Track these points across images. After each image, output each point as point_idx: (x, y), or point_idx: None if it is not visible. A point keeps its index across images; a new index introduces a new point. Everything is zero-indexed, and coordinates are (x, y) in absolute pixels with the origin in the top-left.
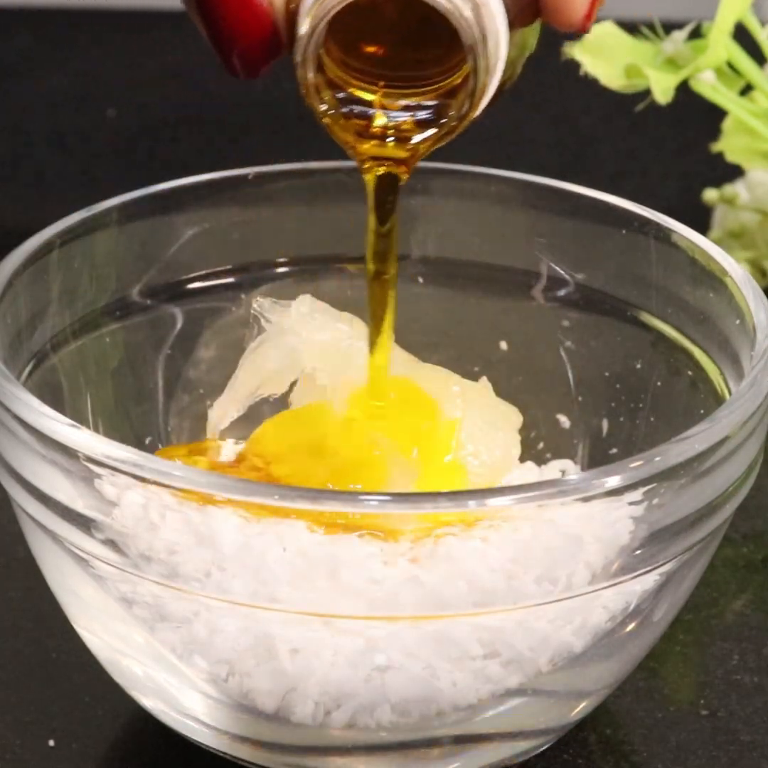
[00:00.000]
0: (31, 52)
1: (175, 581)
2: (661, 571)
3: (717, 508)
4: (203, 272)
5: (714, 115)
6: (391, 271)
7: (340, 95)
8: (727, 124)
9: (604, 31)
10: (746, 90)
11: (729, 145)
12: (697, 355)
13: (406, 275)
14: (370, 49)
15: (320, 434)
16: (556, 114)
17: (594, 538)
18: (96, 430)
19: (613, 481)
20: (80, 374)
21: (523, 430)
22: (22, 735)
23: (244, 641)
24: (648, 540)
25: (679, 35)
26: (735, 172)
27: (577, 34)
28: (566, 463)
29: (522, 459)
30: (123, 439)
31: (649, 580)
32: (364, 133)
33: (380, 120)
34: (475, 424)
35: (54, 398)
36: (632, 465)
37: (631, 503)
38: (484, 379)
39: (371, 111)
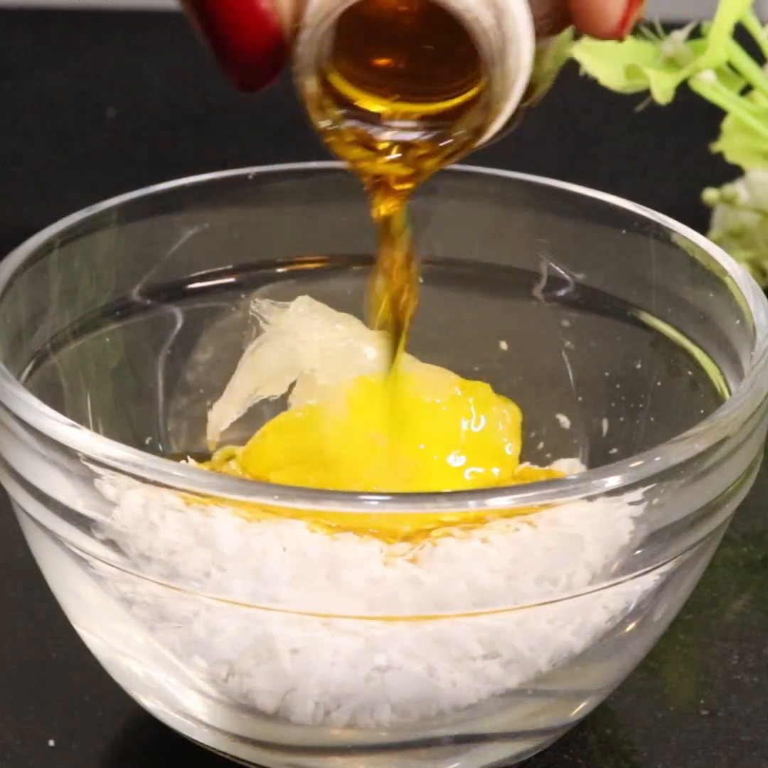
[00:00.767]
0: (31, 52)
1: (175, 581)
2: (661, 571)
3: (717, 508)
4: (203, 272)
5: (714, 115)
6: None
7: (344, 110)
8: (727, 124)
9: None
10: (746, 90)
11: (729, 145)
12: (697, 355)
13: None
14: (382, 61)
15: (319, 437)
16: (556, 114)
17: (594, 538)
18: (96, 430)
19: (613, 481)
20: (80, 374)
21: (523, 430)
22: (22, 735)
23: (244, 641)
24: (648, 540)
25: (679, 35)
26: (735, 172)
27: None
28: (573, 463)
29: (522, 459)
30: (123, 439)
31: (649, 580)
32: (368, 149)
33: (386, 134)
34: (474, 423)
35: (54, 398)
36: (632, 465)
37: (631, 503)
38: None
39: (375, 128)
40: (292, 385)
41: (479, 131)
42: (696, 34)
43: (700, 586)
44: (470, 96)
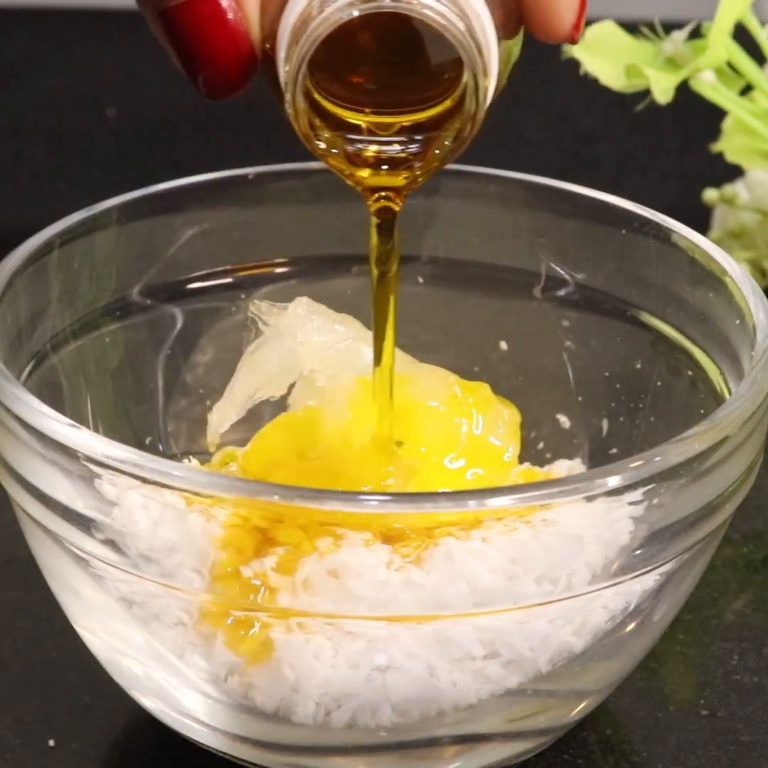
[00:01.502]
0: (31, 52)
1: (175, 581)
2: (661, 571)
3: (717, 508)
4: (203, 272)
5: (714, 115)
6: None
7: (334, 132)
8: (727, 124)
9: (604, 31)
10: (746, 90)
11: (729, 145)
12: (697, 355)
13: (406, 275)
14: (353, 77)
15: (318, 438)
16: (556, 114)
17: (594, 538)
18: (96, 430)
19: (613, 481)
20: (80, 374)
21: (523, 430)
22: (22, 735)
23: (243, 641)
24: (648, 540)
25: (679, 35)
26: (735, 172)
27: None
28: (573, 464)
29: (522, 459)
30: (123, 439)
31: (649, 580)
32: (361, 163)
33: (371, 147)
34: (474, 423)
35: (54, 398)
36: (632, 465)
37: (631, 503)
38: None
39: (361, 145)
40: (291, 387)
41: (462, 136)
42: (696, 34)
43: (700, 586)
44: (444, 107)
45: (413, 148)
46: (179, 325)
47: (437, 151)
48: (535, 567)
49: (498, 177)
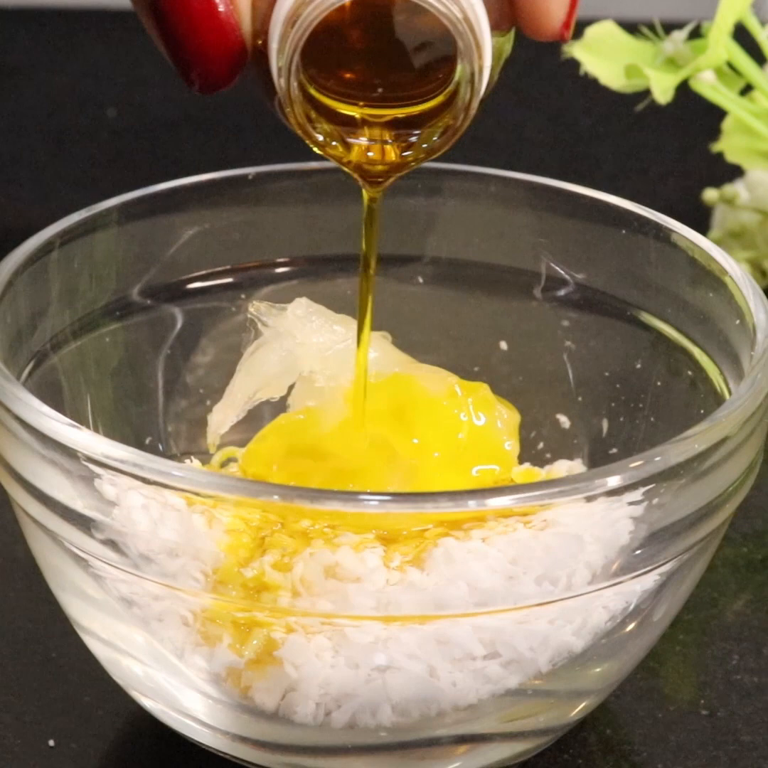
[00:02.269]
0: (31, 52)
1: (175, 581)
2: (661, 571)
3: (717, 508)
4: (203, 272)
5: (714, 115)
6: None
7: (328, 124)
8: (727, 124)
9: (604, 31)
10: (746, 90)
11: (729, 145)
12: (697, 355)
13: (406, 275)
14: (346, 72)
15: (318, 438)
16: (556, 114)
17: (594, 538)
18: (96, 430)
19: (613, 481)
20: (80, 374)
21: (523, 430)
22: (22, 735)
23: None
24: (648, 540)
25: (679, 35)
26: (735, 172)
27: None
28: (574, 465)
29: (522, 459)
30: (123, 439)
31: (649, 580)
32: (356, 150)
33: (363, 139)
34: (473, 424)
35: (54, 398)
36: (632, 465)
37: (631, 503)
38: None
39: (355, 135)
40: (291, 387)
41: (454, 127)
42: (696, 34)
43: (700, 586)
44: (437, 102)
45: (407, 136)
46: (179, 325)
47: (432, 140)
48: (535, 567)
49: (498, 177)
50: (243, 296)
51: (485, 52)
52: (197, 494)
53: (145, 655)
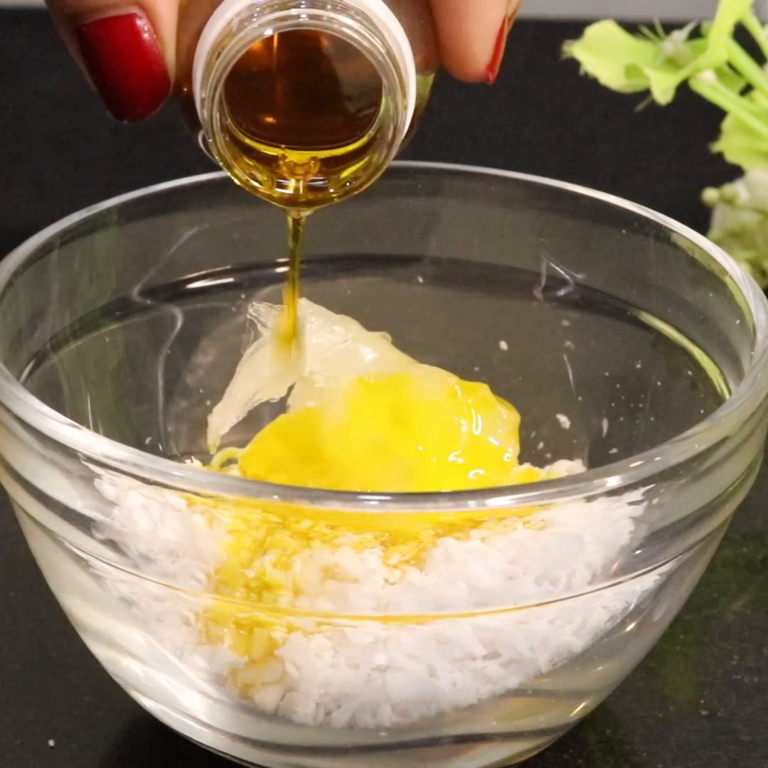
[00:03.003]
0: (31, 52)
1: (175, 581)
2: (661, 571)
3: (717, 508)
4: (203, 272)
5: (714, 115)
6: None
7: (252, 161)
8: (727, 124)
9: (604, 31)
10: (746, 90)
11: (729, 145)
12: (697, 355)
13: (406, 275)
14: (267, 114)
15: (318, 440)
16: (556, 114)
17: (594, 538)
18: (96, 430)
19: (613, 481)
20: (80, 374)
21: (523, 430)
22: (22, 735)
23: (244, 641)
24: (648, 540)
25: (679, 35)
26: (735, 172)
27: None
28: (574, 465)
29: (522, 459)
30: (123, 439)
31: (649, 580)
32: (283, 188)
33: (291, 180)
34: (473, 424)
35: (54, 398)
36: (632, 465)
37: (631, 503)
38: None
39: (280, 177)
40: (291, 388)
41: (376, 164)
42: (696, 34)
43: (700, 586)
44: (359, 144)
45: (327, 174)
46: (179, 325)
47: (355, 177)
48: (535, 567)
49: (498, 177)
50: (243, 296)
51: (409, 89)
52: (197, 494)
53: (145, 655)
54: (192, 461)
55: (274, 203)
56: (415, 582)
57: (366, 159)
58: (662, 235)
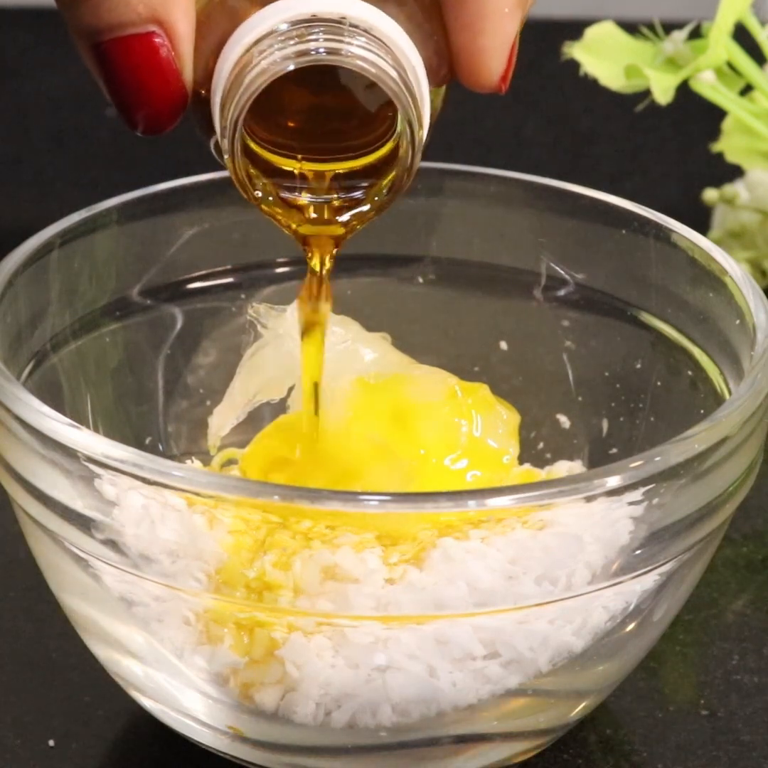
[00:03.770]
0: (31, 52)
1: (175, 581)
2: (661, 571)
3: (717, 508)
4: (203, 272)
5: (714, 115)
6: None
7: (270, 179)
8: (727, 124)
9: (604, 31)
10: (746, 90)
11: (729, 145)
12: (697, 355)
13: (406, 275)
14: (285, 123)
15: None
16: (556, 114)
17: (594, 538)
18: (96, 430)
19: (613, 481)
20: (80, 374)
21: (523, 430)
22: (22, 735)
23: (244, 641)
24: (648, 540)
25: (679, 35)
26: (735, 172)
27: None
28: (574, 466)
29: (522, 459)
30: (123, 439)
31: (649, 580)
32: (296, 211)
33: (306, 196)
34: (473, 425)
35: (54, 398)
36: (632, 465)
37: (631, 503)
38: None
39: (296, 193)
40: (291, 389)
41: (397, 186)
42: (696, 34)
43: (700, 586)
44: (376, 157)
45: (347, 196)
46: (179, 325)
47: (374, 200)
48: (535, 567)
49: (498, 177)
50: (243, 296)
51: (425, 113)
52: (198, 494)
53: (145, 655)
54: (192, 461)
55: (293, 236)
56: (415, 582)
57: (386, 180)
58: (662, 235)
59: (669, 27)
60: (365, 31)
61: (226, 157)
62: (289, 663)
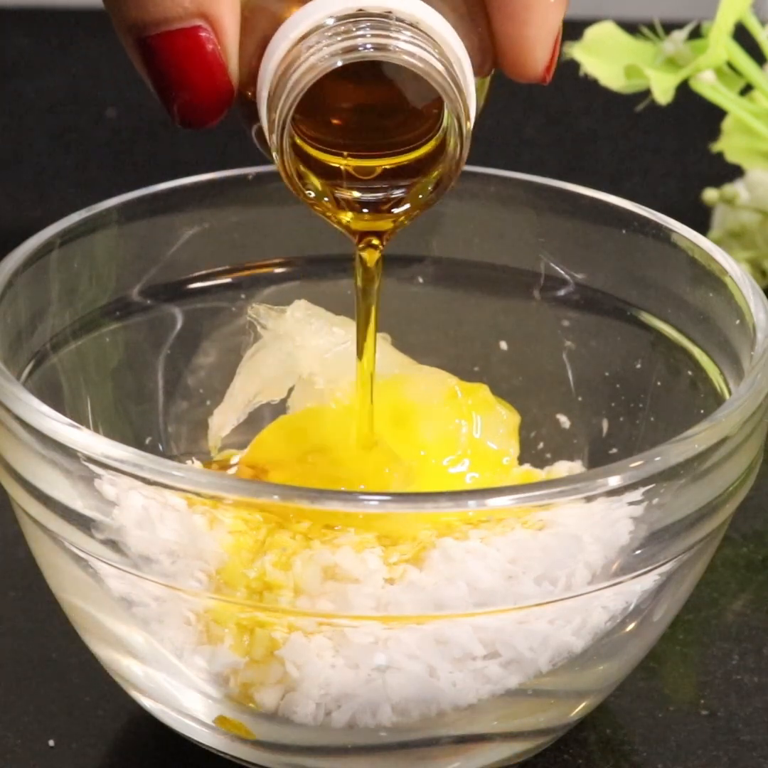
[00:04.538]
0: (31, 52)
1: (175, 581)
2: (661, 571)
3: (717, 508)
4: (203, 272)
5: (714, 115)
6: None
7: (320, 179)
8: (727, 124)
9: (604, 31)
10: (746, 90)
11: (729, 145)
12: (697, 355)
13: (406, 275)
14: (332, 119)
15: (318, 440)
16: (556, 114)
17: (594, 538)
18: (96, 430)
19: (613, 481)
20: (80, 374)
21: (523, 430)
22: (22, 735)
23: (244, 641)
24: (648, 540)
25: (679, 35)
26: (735, 172)
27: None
28: (574, 466)
29: (522, 459)
30: (123, 439)
31: (649, 580)
32: (346, 207)
33: (356, 191)
34: (473, 425)
35: (54, 398)
36: (632, 465)
37: (631, 503)
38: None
39: (345, 190)
40: (291, 390)
41: (445, 180)
42: (696, 34)
43: (700, 586)
44: (424, 151)
45: (395, 192)
46: (179, 326)
47: (420, 196)
48: (535, 567)
49: (498, 177)
50: (243, 297)
51: (471, 105)
52: (198, 495)
53: (145, 655)
54: (193, 462)
55: (343, 230)
56: (415, 582)
57: (434, 174)
58: (662, 235)
59: (669, 27)
60: (411, 24)
61: (274, 154)
62: (290, 663)
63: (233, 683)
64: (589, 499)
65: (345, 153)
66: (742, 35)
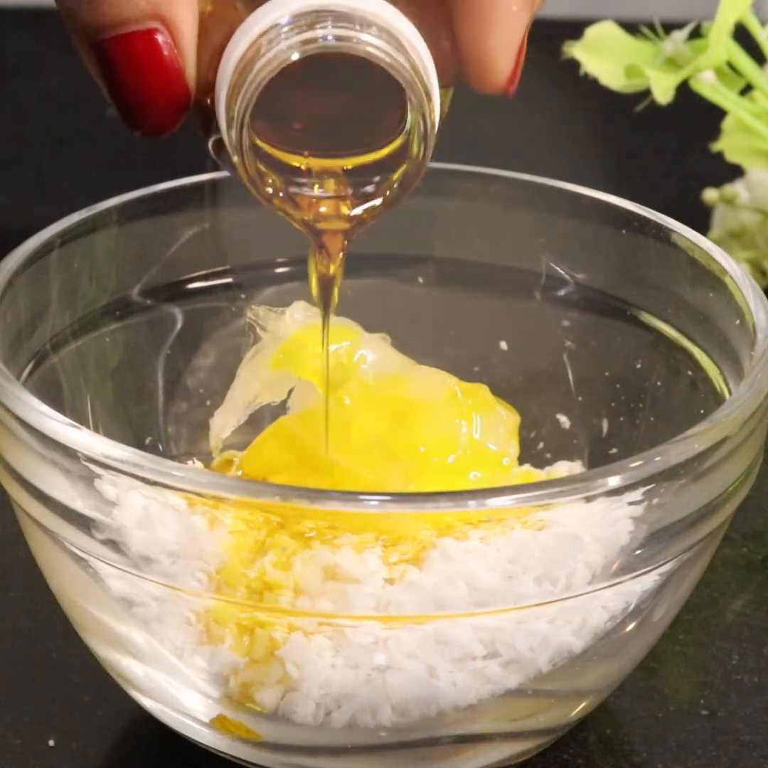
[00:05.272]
0: (31, 52)
1: (175, 581)
2: (661, 571)
3: (717, 508)
4: (203, 272)
5: (714, 115)
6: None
7: (281, 176)
8: (727, 124)
9: (604, 31)
10: (746, 90)
11: (729, 145)
12: (697, 355)
13: (407, 276)
14: (291, 120)
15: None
16: (556, 114)
17: (594, 538)
18: (96, 430)
19: (613, 481)
20: (80, 374)
21: (523, 430)
22: (22, 735)
23: (244, 641)
24: (648, 540)
25: (679, 35)
26: (735, 172)
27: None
28: (574, 466)
29: (522, 459)
30: (123, 439)
31: (649, 580)
32: (305, 206)
33: (315, 191)
34: (473, 426)
35: (54, 398)
36: (632, 465)
37: (631, 503)
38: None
39: (305, 188)
40: (291, 391)
41: (407, 181)
42: (696, 34)
43: (700, 586)
44: (386, 152)
45: (357, 191)
46: (179, 326)
47: (385, 195)
48: (535, 567)
49: (498, 177)
50: (243, 297)
51: (435, 104)
52: (198, 495)
53: (145, 655)
54: (193, 462)
55: (302, 230)
56: (415, 582)
57: (397, 174)
58: (662, 235)
59: (669, 27)
60: (376, 24)
61: (233, 154)
62: (290, 663)
63: (233, 683)
64: (589, 499)
65: (305, 152)
66: (742, 35)
